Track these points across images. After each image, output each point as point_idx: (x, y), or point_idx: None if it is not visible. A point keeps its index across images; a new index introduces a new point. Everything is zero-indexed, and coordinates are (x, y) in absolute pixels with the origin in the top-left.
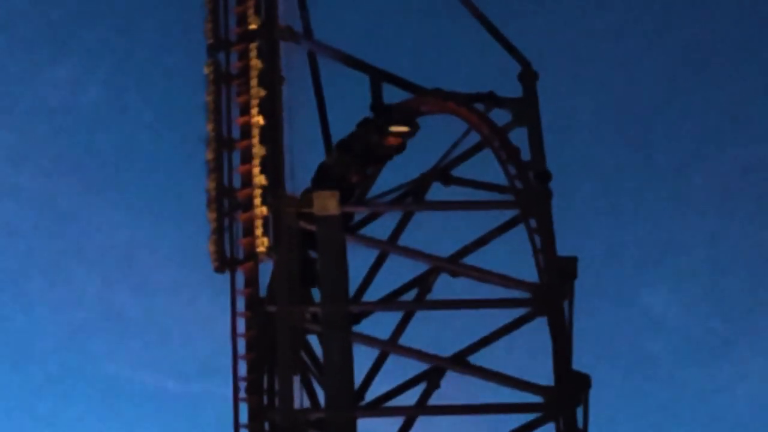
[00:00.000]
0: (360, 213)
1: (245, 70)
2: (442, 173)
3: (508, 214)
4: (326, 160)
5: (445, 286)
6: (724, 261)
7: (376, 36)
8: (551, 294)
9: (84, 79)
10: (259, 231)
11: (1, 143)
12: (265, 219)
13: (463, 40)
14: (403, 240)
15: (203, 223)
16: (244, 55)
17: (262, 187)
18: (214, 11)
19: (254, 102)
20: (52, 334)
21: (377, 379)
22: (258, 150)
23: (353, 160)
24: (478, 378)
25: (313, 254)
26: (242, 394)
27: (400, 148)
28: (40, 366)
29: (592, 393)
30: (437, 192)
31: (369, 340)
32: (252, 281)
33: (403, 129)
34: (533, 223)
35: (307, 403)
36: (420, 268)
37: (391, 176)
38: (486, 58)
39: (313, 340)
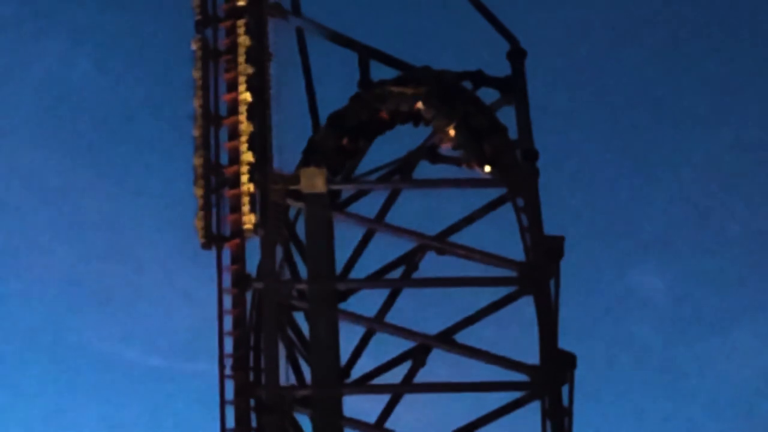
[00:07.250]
0: (347, 190)
1: (233, 47)
2: (430, 151)
3: (496, 192)
4: (316, 134)
5: (432, 265)
6: (712, 240)
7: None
8: (538, 273)
9: (72, 54)
10: (246, 208)
11: None
12: (252, 196)
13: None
14: (390, 218)
15: (190, 200)
16: (232, 32)
17: (249, 164)
18: None
19: (242, 79)
20: (37, 308)
21: (363, 356)
22: (245, 127)
23: (345, 133)
24: (464, 356)
25: None
26: (228, 371)
27: (391, 123)
28: (24, 341)
29: (578, 372)
30: (425, 170)
31: (355, 318)
32: (238, 258)
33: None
34: (520, 201)
35: (293, 380)
36: (407, 245)
37: (379, 154)
38: (475, 36)
39: (300, 318)
